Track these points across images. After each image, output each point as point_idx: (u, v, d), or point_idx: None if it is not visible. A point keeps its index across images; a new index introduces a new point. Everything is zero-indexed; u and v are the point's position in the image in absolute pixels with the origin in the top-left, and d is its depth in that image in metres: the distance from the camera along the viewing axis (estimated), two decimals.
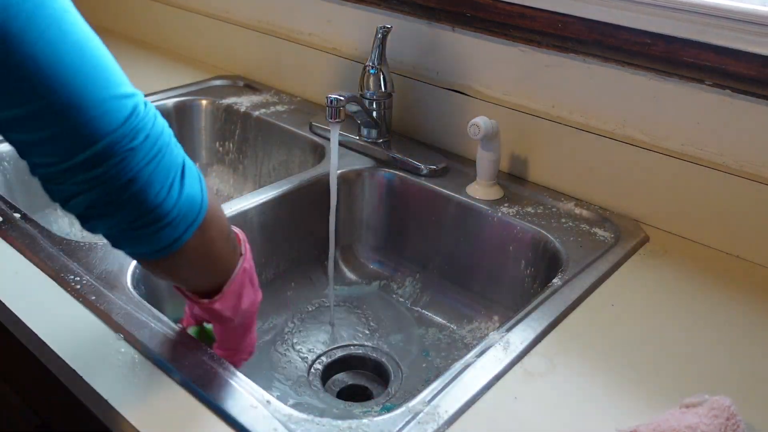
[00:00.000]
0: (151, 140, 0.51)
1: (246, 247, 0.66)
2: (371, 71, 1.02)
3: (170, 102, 1.21)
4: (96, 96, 0.48)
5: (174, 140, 0.54)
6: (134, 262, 0.78)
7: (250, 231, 0.92)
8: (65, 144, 0.48)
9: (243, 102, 1.22)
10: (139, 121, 0.50)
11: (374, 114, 1.04)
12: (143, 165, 0.50)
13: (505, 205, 0.93)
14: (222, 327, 0.68)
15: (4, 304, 0.71)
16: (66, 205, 0.52)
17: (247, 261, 0.66)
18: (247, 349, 0.71)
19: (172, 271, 0.60)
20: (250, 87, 1.29)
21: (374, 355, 0.91)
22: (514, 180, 1.00)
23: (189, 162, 0.56)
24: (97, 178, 0.49)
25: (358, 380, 0.90)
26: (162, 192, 0.52)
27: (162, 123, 0.53)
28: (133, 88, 0.52)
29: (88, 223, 0.53)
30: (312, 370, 0.88)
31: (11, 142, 0.50)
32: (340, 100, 0.89)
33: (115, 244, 0.55)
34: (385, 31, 1.00)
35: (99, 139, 0.48)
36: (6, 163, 1.04)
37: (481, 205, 0.94)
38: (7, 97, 0.46)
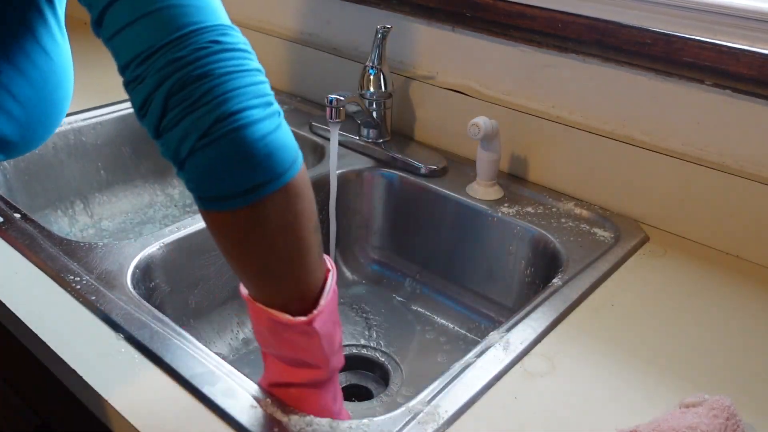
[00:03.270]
0: (239, 54, 0.48)
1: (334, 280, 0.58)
2: (371, 71, 1.02)
3: None
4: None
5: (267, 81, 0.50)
6: (134, 262, 0.78)
7: None
8: (156, 26, 0.46)
9: None
10: (234, 36, 0.48)
11: (374, 114, 1.04)
12: (226, 67, 0.46)
13: (505, 205, 0.93)
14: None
15: (4, 304, 0.71)
16: (146, 109, 0.47)
17: (334, 291, 0.57)
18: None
19: (249, 239, 0.50)
20: None
21: (374, 355, 0.91)
22: (514, 180, 1.00)
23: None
24: (177, 60, 0.46)
25: (358, 380, 0.90)
26: (249, 106, 0.46)
27: (257, 60, 0.50)
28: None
29: (163, 134, 0.47)
30: None
31: (106, 33, 0.48)
32: (340, 100, 0.89)
33: (189, 171, 0.47)
34: (385, 31, 1.00)
35: (189, 25, 0.47)
36: (6, 163, 1.04)
37: (481, 205, 0.94)
38: None
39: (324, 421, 0.58)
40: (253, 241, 0.51)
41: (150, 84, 0.47)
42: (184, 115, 0.46)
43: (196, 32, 0.47)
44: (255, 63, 0.49)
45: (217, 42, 0.47)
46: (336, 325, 0.59)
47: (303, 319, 0.54)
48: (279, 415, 0.58)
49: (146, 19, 0.47)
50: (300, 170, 0.51)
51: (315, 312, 0.54)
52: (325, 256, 0.58)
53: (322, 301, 0.55)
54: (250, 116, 0.46)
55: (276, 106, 0.49)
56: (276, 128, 0.48)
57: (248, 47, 0.50)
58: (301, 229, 0.52)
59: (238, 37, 0.49)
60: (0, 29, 0.59)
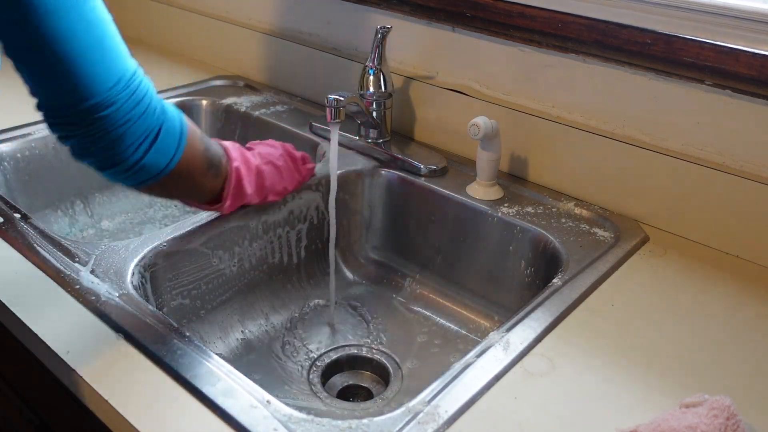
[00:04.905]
0: (123, 110, 0.63)
1: (234, 156, 0.82)
2: (371, 71, 1.02)
3: (170, 102, 1.21)
4: (90, 69, 0.60)
5: (153, 106, 0.66)
6: (134, 262, 0.78)
7: (250, 232, 0.92)
8: (60, 97, 0.61)
9: (243, 102, 1.22)
10: (120, 90, 0.62)
11: (374, 114, 1.04)
12: (112, 129, 0.63)
13: (505, 205, 0.93)
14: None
15: (4, 304, 0.71)
16: (59, 141, 0.65)
17: (235, 170, 0.81)
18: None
19: (154, 192, 0.75)
20: (250, 87, 1.29)
21: (374, 355, 0.91)
22: (514, 180, 1.00)
23: (170, 124, 0.69)
24: (74, 131, 0.62)
25: (358, 380, 0.90)
26: (129, 150, 0.65)
27: (143, 92, 0.65)
28: (127, 63, 0.64)
29: (75, 156, 0.66)
30: (312, 370, 0.88)
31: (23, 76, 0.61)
32: (340, 100, 0.89)
33: (98, 171, 0.68)
34: (385, 31, 1.00)
35: (82, 101, 0.60)
36: (6, 163, 1.04)
37: (481, 205, 0.94)
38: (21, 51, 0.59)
39: (324, 421, 0.58)
40: (162, 193, 0.79)
41: (59, 133, 0.64)
42: (83, 156, 0.66)
43: (83, 112, 0.61)
44: (126, 109, 0.63)
45: (93, 117, 0.61)
46: (244, 185, 0.84)
47: (216, 206, 0.83)
48: (279, 415, 0.58)
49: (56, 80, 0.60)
50: (180, 159, 0.70)
51: (218, 206, 0.83)
52: (224, 143, 0.83)
53: (226, 199, 0.82)
54: (125, 158, 0.66)
55: (150, 130, 0.66)
56: (149, 152, 0.67)
57: (142, 83, 0.65)
58: (195, 181, 0.76)
59: (120, 91, 0.62)
60: None
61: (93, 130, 0.62)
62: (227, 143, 0.83)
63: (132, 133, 0.64)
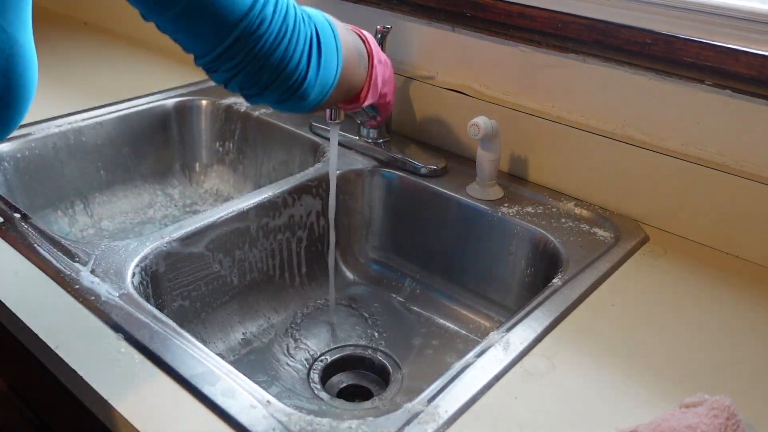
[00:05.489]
0: (275, 24, 0.60)
1: (369, 38, 0.79)
2: None
3: (170, 102, 1.21)
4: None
5: (301, 17, 0.64)
6: (134, 262, 0.78)
7: (251, 232, 0.92)
8: (206, 38, 0.60)
9: (243, 102, 1.22)
10: (261, 9, 0.59)
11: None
12: (272, 46, 0.61)
13: (505, 205, 0.93)
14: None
15: (4, 304, 0.71)
16: (227, 87, 0.64)
17: (372, 59, 0.78)
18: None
19: (326, 106, 0.75)
20: None
21: (374, 355, 0.91)
22: (514, 180, 1.00)
23: (321, 29, 0.66)
24: (239, 64, 0.61)
25: (358, 380, 0.90)
26: (299, 66, 0.63)
27: (285, 5, 0.62)
28: None
29: (249, 100, 0.66)
30: (312, 370, 0.88)
31: (175, 41, 0.63)
32: None
33: (276, 108, 0.69)
34: (385, 31, 1.00)
35: (229, 32, 0.59)
36: (6, 163, 1.04)
37: (481, 205, 0.94)
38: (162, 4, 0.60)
39: (324, 421, 0.58)
40: (331, 103, 0.76)
41: (224, 77, 0.64)
42: (257, 94, 0.65)
43: (236, 40, 0.60)
44: (277, 23, 0.62)
45: (248, 41, 0.60)
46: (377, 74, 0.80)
47: (357, 103, 0.79)
48: (279, 415, 0.58)
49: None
50: (343, 64, 0.70)
51: (362, 99, 0.79)
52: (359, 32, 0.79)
53: (366, 89, 0.79)
54: (300, 79, 0.65)
55: (307, 38, 0.64)
56: (320, 63, 0.66)
57: (268, 11, 0.61)
58: (353, 82, 0.75)
59: (261, 9, 0.60)
60: None
61: (253, 54, 0.60)
62: (351, 26, 0.79)
63: (293, 46, 0.62)
